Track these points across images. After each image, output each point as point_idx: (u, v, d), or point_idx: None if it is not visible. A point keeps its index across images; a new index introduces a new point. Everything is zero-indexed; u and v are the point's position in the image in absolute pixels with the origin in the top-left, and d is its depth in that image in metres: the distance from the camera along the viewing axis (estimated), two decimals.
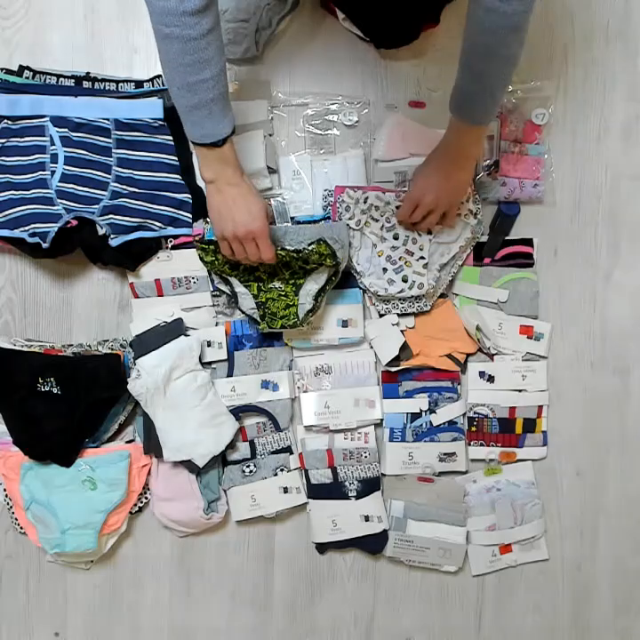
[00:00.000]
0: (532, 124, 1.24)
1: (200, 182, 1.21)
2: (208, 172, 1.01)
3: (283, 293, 1.16)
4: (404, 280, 1.19)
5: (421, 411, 1.25)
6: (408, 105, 1.24)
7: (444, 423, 1.25)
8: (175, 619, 1.32)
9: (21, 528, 1.25)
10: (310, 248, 1.10)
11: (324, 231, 1.15)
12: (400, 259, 1.19)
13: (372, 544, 1.26)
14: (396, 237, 1.19)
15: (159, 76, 1.21)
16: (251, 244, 1.05)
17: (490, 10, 0.85)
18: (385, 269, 1.19)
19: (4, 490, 1.24)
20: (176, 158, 1.18)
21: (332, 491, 1.24)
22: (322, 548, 1.28)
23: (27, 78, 1.18)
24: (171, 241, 1.22)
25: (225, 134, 0.97)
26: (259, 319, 1.17)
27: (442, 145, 1.08)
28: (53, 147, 1.15)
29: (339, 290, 1.22)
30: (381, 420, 1.25)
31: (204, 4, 0.83)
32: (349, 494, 1.25)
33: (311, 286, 1.16)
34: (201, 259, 1.14)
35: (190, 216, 1.20)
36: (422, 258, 1.19)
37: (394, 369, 1.23)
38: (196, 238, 1.18)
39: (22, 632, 1.32)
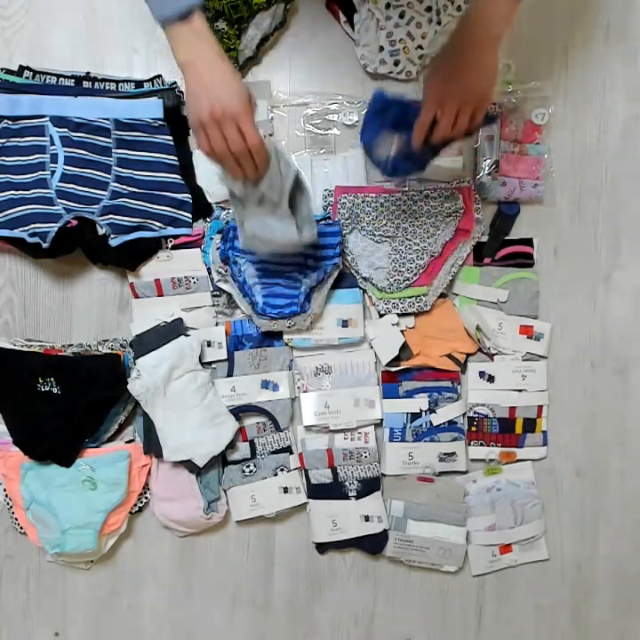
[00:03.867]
0: (532, 124, 1.24)
1: (200, 182, 1.21)
2: (181, 51, 0.91)
3: (226, 36, 1.15)
4: (396, 64, 1.19)
5: (421, 411, 1.25)
6: None
7: (444, 423, 1.25)
8: (175, 619, 1.32)
9: (21, 528, 1.25)
10: None
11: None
12: (400, 41, 1.17)
13: (372, 544, 1.26)
14: (401, 16, 1.17)
15: (159, 76, 1.21)
16: (231, 128, 0.93)
17: None
18: (381, 48, 1.18)
19: (4, 490, 1.24)
20: (176, 158, 1.18)
21: (332, 491, 1.24)
22: (322, 548, 1.28)
23: (27, 78, 1.18)
24: (171, 241, 1.22)
25: (191, 2, 0.88)
26: None
27: (458, 31, 0.94)
28: (53, 147, 1.15)
29: (339, 290, 1.22)
30: (381, 420, 1.25)
31: None
32: (349, 494, 1.25)
33: (254, 32, 1.16)
34: None
35: (190, 216, 1.20)
36: (420, 47, 1.18)
37: (394, 369, 1.23)
38: None
39: (22, 632, 1.32)
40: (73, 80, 1.19)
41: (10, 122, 1.14)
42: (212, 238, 1.20)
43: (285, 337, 1.23)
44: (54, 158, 1.15)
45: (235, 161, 0.97)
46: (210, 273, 1.22)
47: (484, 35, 0.92)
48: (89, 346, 1.21)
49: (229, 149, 0.95)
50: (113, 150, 1.16)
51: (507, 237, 1.26)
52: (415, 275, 1.21)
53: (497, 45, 0.93)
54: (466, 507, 1.26)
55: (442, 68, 0.96)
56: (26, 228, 1.14)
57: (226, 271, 1.19)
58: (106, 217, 1.15)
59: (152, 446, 1.20)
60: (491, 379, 1.26)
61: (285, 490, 1.25)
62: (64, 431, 1.18)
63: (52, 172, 1.15)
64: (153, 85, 1.20)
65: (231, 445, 1.22)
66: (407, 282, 1.21)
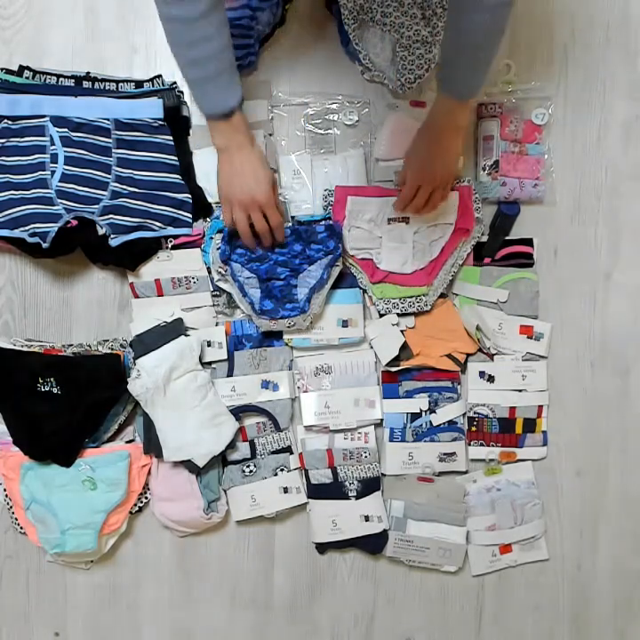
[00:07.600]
0: (531, 124, 1.24)
1: (200, 182, 1.21)
2: (219, 139, 1.07)
3: None
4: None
5: (421, 411, 1.25)
6: (409, 104, 1.24)
7: (444, 423, 1.25)
8: (175, 619, 1.32)
9: (21, 528, 1.25)
10: None
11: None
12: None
13: (372, 544, 1.26)
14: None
15: (159, 76, 1.21)
16: (257, 213, 1.09)
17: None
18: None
19: (4, 490, 1.24)
20: (176, 158, 1.18)
21: (332, 491, 1.24)
22: (322, 547, 1.28)
23: (27, 78, 1.18)
24: (171, 241, 1.22)
25: (232, 106, 1.03)
26: None
27: (431, 122, 1.09)
28: (53, 147, 1.15)
29: (339, 290, 1.22)
30: (381, 420, 1.25)
31: None
32: (349, 494, 1.25)
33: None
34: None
35: (190, 216, 1.20)
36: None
37: (394, 369, 1.23)
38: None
39: (22, 632, 1.32)
40: (73, 80, 1.19)
41: (10, 122, 1.14)
42: (212, 238, 1.20)
43: (285, 337, 1.23)
44: (54, 158, 1.15)
45: (253, 235, 1.13)
46: (210, 273, 1.22)
47: (454, 130, 1.08)
48: (89, 346, 1.21)
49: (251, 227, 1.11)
50: (113, 150, 1.16)
51: (507, 237, 1.26)
52: (426, 70, 1.19)
53: (462, 133, 1.10)
54: (466, 507, 1.26)
55: (419, 152, 1.12)
56: (26, 227, 1.14)
57: (226, 271, 1.19)
58: (106, 217, 1.15)
59: (152, 446, 1.20)
60: (491, 379, 1.26)
61: (285, 490, 1.25)
62: (64, 431, 1.18)
63: (52, 172, 1.15)
64: (153, 85, 1.20)
65: (231, 445, 1.22)
66: (419, 80, 1.19)
